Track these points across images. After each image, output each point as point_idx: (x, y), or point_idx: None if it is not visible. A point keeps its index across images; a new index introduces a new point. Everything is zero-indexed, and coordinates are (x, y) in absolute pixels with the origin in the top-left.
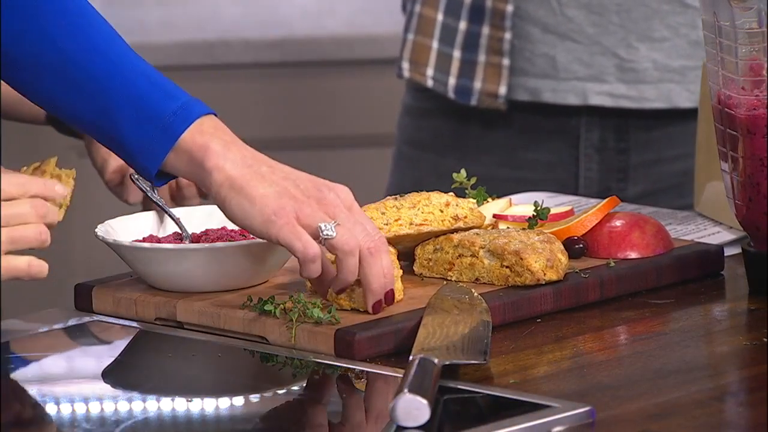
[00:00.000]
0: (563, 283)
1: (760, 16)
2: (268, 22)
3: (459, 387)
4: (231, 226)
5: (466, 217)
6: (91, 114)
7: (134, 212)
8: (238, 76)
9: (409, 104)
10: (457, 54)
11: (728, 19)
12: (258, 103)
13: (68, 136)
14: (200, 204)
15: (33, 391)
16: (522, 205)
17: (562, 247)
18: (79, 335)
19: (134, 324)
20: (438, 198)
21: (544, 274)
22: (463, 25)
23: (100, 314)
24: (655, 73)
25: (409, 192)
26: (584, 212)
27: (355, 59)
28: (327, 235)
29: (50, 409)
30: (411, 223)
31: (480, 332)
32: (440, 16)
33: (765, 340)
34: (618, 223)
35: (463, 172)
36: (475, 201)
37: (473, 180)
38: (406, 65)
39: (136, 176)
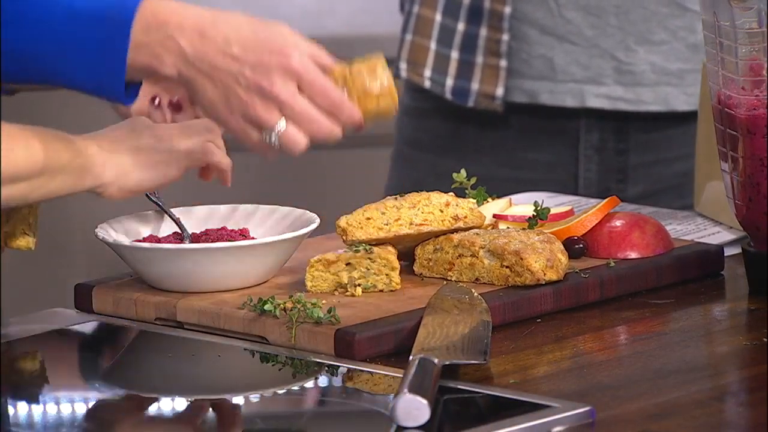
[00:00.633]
0: (563, 283)
1: (760, 16)
2: None
3: (459, 387)
4: (231, 226)
5: (466, 217)
6: (34, 48)
7: (134, 212)
8: None
9: (407, 104)
10: (455, 55)
11: (728, 19)
12: None
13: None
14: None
15: (33, 391)
16: (522, 205)
17: (562, 247)
18: (79, 335)
19: (134, 324)
20: (438, 198)
21: (544, 274)
22: (461, 26)
23: (100, 314)
24: (652, 76)
25: (409, 192)
26: (584, 212)
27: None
28: (272, 141)
29: (50, 409)
30: (411, 223)
31: (480, 332)
32: (438, 17)
33: (765, 340)
34: (618, 223)
35: (463, 172)
36: (475, 201)
37: (473, 180)
38: (403, 65)
39: None
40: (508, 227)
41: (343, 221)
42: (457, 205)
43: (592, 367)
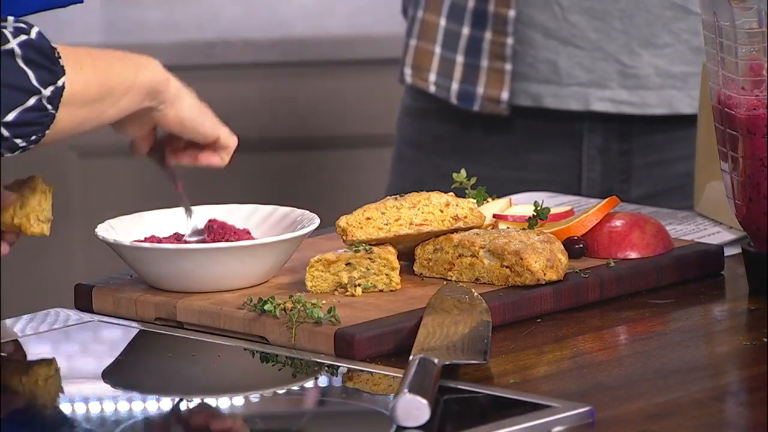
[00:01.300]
0: (563, 283)
1: (760, 16)
2: (268, 22)
3: (459, 387)
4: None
5: (466, 217)
6: None
7: (134, 212)
8: (238, 76)
9: (408, 105)
10: (460, 59)
11: (728, 19)
12: (258, 103)
13: None
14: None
15: (33, 391)
16: (522, 205)
17: (562, 247)
18: (79, 335)
19: (134, 324)
20: (438, 198)
21: (544, 274)
22: (466, 30)
23: (100, 314)
24: (657, 80)
25: (409, 192)
26: (584, 212)
27: (355, 59)
28: None
29: (50, 409)
30: (411, 223)
31: (480, 332)
32: (443, 21)
33: (765, 340)
34: (618, 223)
35: (463, 172)
36: (475, 201)
37: (473, 180)
38: (408, 71)
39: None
40: (508, 227)
41: (343, 221)
42: (457, 205)
43: (592, 367)
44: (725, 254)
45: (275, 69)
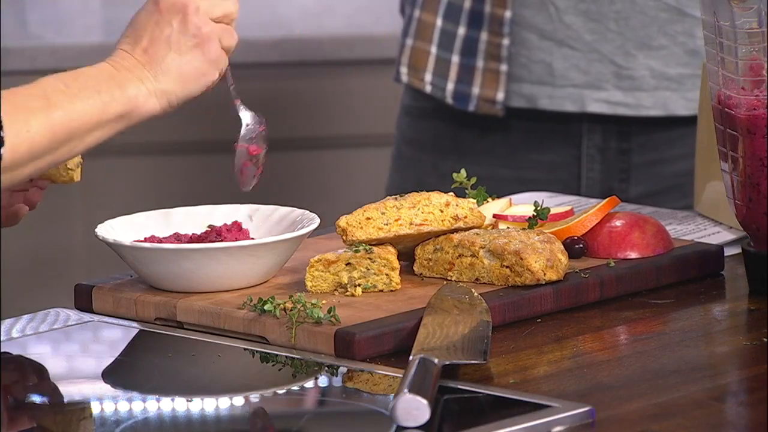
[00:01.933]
0: (563, 283)
1: (760, 16)
2: (268, 22)
3: (459, 387)
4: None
5: (466, 217)
6: None
7: (134, 212)
8: (238, 76)
9: (408, 105)
10: (455, 59)
11: (728, 19)
12: (258, 103)
13: None
14: None
15: (33, 391)
16: (522, 205)
17: (562, 247)
18: (79, 335)
19: (134, 324)
20: (438, 198)
21: (544, 274)
22: (462, 31)
23: (100, 314)
24: (652, 81)
25: (409, 192)
26: (584, 212)
27: (355, 59)
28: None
29: (50, 409)
30: (411, 223)
31: (480, 332)
32: (439, 22)
33: (765, 340)
34: (618, 223)
35: (463, 172)
36: (475, 201)
37: (473, 180)
38: (404, 70)
39: None
40: (508, 227)
41: (343, 221)
42: (457, 205)
43: (592, 367)
44: (725, 254)
45: (275, 69)
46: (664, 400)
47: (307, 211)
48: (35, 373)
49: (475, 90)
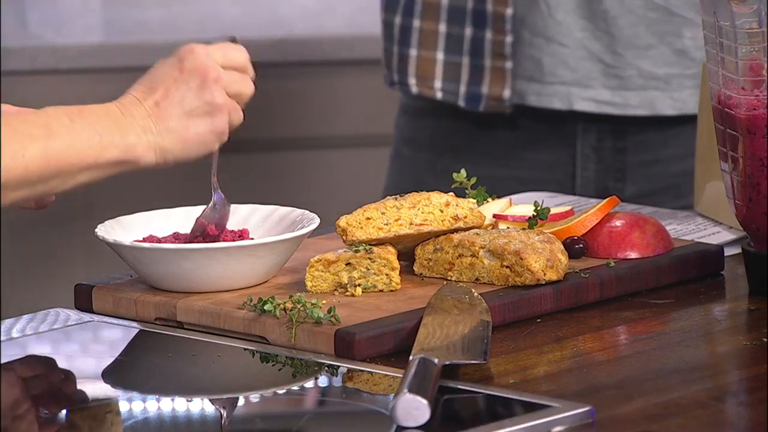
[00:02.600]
0: (563, 283)
1: (760, 16)
2: (268, 22)
3: (459, 387)
4: (231, 226)
5: (466, 217)
6: None
7: (134, 212)
8: None
9: (405, 103)
10: (465, 61)
11: (728, 19)
12: (258, 103)
13: None
14: None
15: (33, 391)
16: (522, 205)
17: (562, 247)
18: (79, 335)
19: (134, 324)
20: (438, 198)
21: (544, 274)
22: (468, 32)
23: (100, 314)
24: (639, 81)
25: (407, 191)
26: (584, 212)
27: (355, 59)
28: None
29: (50, 409)
30: (411, 223)
31: (480, 332)
32: (443, 27)
33: (765, 340)
34: (618, 223)
35: (463, 172)
36: (475, 201)
37: (473, 180)
38: (413, 81)
39: None
40: (508, 227)
41: (343, 221)
42: (457, 205)
43: (592, 367)
44: (725, 254)
45: (275, 69)
46: (664, 400)
47: (307, 211)
48: (35, 374)
49: (484, 89)
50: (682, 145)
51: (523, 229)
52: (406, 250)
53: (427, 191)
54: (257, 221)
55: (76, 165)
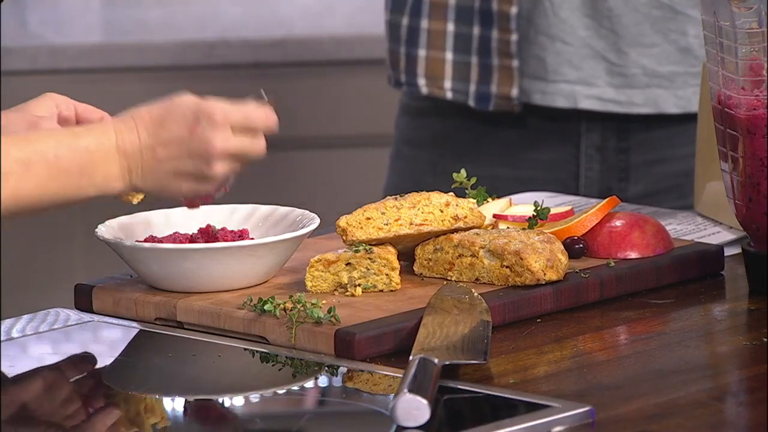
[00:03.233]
0: (563, 283)
1: (760, 16)
2: (268, 22)
3: (459, 387)
4: (231, 226)
5: (466, 217)
6: None
7: (134, 212)
8: (238, 76)
9: (406, 103)
10: (474, 60)
11: (728, 19)
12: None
13: None
14: None
15: (33, 391)
16: (522, 205)
17: (562, 247)
18: (79, 335)
19: (134, 324)
20: (438, 198)
21: (544, 274)
22: (476, 31)
23: (100, 314)
24: (643, 79)
25: (408, 191)
26: (584, 212)
27: (355, 59)
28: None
29: (50, 409)
30: (411, 223)
31: (480, 332)
32: (451, 27)
33: (765, 340)
34: (618, 223)
35: (463, 172)
36: (475, 201)
37: (473, 180)
38: (422, 81)
39: None
40: (508, 227)
41: (343, 221)
42: (457, 205)
43: (592, 367)
44: (725, 254)
45: (275, 69)
46: (664, 400)
47: (307, 211)
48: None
49: (493, 88)
50: (685, 145)
51: (523, 229)
52: (406, 250)
53: (427, 191)
54: (257, 221)
55: (46, 204)
